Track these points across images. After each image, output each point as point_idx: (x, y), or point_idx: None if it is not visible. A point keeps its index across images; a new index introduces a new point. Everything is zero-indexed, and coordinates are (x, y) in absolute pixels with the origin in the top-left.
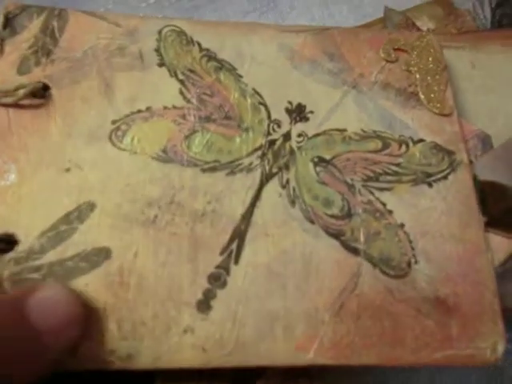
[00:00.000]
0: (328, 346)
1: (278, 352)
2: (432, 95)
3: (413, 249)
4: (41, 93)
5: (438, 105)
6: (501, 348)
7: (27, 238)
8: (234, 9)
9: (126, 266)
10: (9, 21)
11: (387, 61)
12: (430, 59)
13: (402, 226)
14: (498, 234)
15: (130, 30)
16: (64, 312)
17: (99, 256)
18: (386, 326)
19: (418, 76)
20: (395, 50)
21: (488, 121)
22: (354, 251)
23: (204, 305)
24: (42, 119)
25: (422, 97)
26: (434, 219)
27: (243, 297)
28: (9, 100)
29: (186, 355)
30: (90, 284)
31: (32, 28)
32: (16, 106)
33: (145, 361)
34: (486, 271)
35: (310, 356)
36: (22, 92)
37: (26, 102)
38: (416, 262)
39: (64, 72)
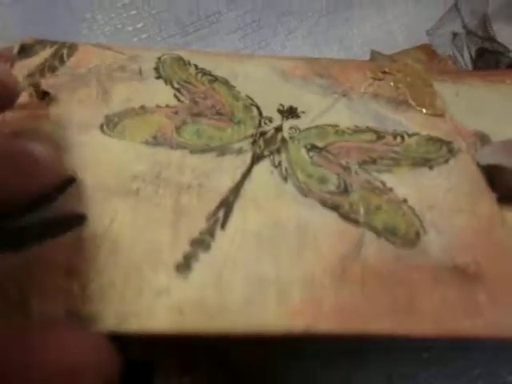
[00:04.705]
0: (329, 310)
1: (271, 317)
2: (422, 101)
3: (420, 221)
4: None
5: (430, 107)
6: None
7: None
8: (225, 46)
9: (100, 231)
10: (23, 49)
11: (375, 79)
12: (416, 77)
13: (405, 201)
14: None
15: (132, 56)
16: None
17: (72, 221)
18: (398, 295)
19: (406, 89)
20: (382, 72)
21: None
22: (355, 222)
23: (184, 267)
24: (38, 118)
25: (412, 103)
26: (439, 196)
27: (229, 261)
28: None
29: (159, 318)
30: (57, 246)
31: (43, 54)
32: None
33: (108, 322)
34: (506, 243)
35: (308, 321)
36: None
37: (23, 102)
38: (425, 233)
39: (66, 83)
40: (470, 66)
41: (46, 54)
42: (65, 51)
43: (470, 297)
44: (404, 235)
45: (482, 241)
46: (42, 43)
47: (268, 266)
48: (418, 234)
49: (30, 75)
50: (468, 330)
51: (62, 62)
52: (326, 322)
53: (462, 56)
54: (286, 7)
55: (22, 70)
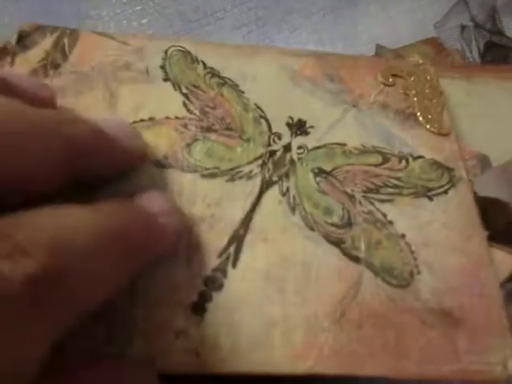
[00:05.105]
0: (328, 354)
1: (276, 359)
2: (430, 116)
3: (415, 259)
4: None
5: (436, 125)
6: (511, 364)
7: None
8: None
9: None
10: (22, 38)
11: (385, 84)
12: (427, 85)
13: (403, 236)
14: (501, 248)
15: (137, 48)
16: None
17: None
18: (389, 337)
19: (415, 99)
20: (393, 75)
21: (484, 146)
22: (355, 259)
23: (199, 307)
24: None
25: (420, 118)
26: (435, 231)
27: (240, 300)
28: None
29: (178, 359)
30: None
31: (43, 44)
32: None
33: None
34: (492, 284)
35: (310, 364)
36: None
37: None
38: (419, 273)
39: (70, 83)
40: (477, 60)
41: (46, 44)
42: (66, 41)
43: (451, 342)
44: (399, 274)
45: (469, 281)
46: (40, 30)
47: (274, 306)
48: (412, 274)
49: (34, 72)
50: (446, 374)
51: (64, 55)
52: (326, 365)
53: (470, 50)
54: (291, 4)
55: (23, 64)
